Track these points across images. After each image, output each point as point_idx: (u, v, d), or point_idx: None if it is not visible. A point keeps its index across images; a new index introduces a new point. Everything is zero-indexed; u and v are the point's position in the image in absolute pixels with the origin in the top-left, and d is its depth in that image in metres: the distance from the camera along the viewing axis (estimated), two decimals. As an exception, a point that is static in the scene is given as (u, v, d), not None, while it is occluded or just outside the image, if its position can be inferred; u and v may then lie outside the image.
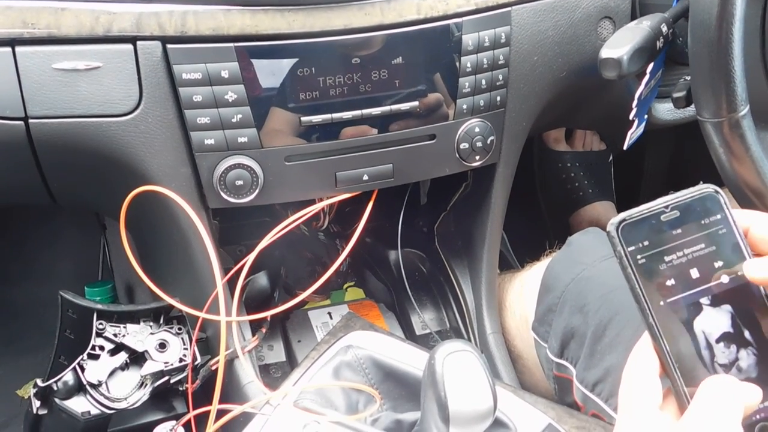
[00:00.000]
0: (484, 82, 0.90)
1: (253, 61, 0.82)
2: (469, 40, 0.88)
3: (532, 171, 1.61)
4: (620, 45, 0.82)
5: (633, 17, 0.98)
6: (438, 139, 0.91)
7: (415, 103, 0.88)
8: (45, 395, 0.85)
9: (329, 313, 1.11)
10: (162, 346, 0.88)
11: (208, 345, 0.96)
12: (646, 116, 0.99)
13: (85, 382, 0.83)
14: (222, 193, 0.85)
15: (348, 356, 0.81)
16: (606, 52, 0.82)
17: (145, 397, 0.86)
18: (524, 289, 1.02)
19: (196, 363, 0.88)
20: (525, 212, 1.52)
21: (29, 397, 0.87)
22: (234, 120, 0.83)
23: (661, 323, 0.52)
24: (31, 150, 0.83)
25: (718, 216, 0.54)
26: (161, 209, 0.87)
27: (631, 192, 1.59)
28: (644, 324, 0.53)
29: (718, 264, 0.53)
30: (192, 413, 0.82)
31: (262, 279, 1.09)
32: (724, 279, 0.53)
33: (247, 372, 0.89)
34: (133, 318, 0.89)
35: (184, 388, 0.87)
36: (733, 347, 0.53)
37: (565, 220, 1.55)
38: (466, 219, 1.07)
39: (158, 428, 0.80)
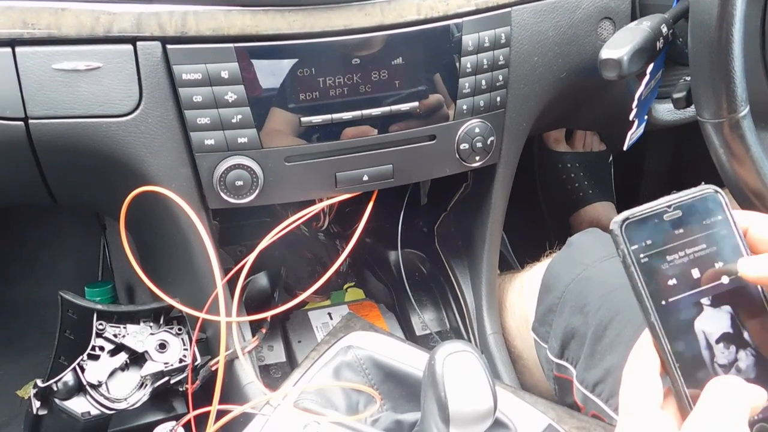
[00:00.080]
0: (484, 82, 0.90)
1: (253, 61, 0.82)
2: (469, 40, 0.88)
3: (533, 171, 1.61)
4: (620, 45, 0.82)
5: (633, 18, 0.98)
6: (438, 139, 0.91)
7: (415, 104, 0.88)
8: (45, 395, 0.85)
9: (329, 314, 1.11)
10: (162, 346, 0.88)
11: (208, 345, 0.96)
12: (646, 117, 0.99)
13: (85, 383, 0.83)
14: (222, 194, 0.85)
15: (348, 357, 0.81)
16: (606, 53, 0.82)
17: (145, 398, 0.86)
18: (524, 289, 1.02)
19: (196, 363, 0.88)
20: (525, 213, 1.52)
21: (29, 397, 0.86)
22: (234, 120, 0.83)
23: (663, 323, 0.52)
24: (32, 150, 0.83)
25: (719, 217, 0.54)
26: (161, 209, 0.87)
27: (631, 192, 1.59)
28: (645, 323, 0.53)
29: (719, 264, 0.53)
30: (192, 414, 0.82)
31: (262, 279, 1.09)
32: (725, 280, 0.53)
33: (247, 372, 0.89)
34: (133, 318, 0.89)
35: (184, 388, 0.87)
36: (733, 348, 0.53)
37: (565, 221, 1.55)
38: (467, 219, 1.07)
39: (158, 429, 0.80)
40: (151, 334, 0.88)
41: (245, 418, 0.76)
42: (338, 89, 0.85)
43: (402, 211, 1.13)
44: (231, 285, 0.91)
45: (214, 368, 0.88)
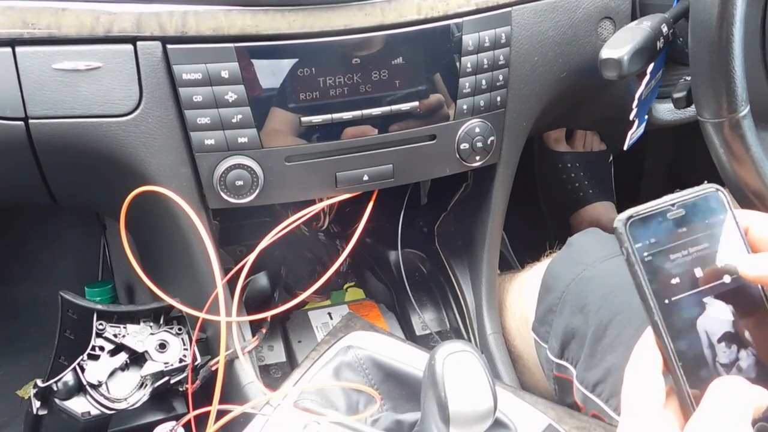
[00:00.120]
0: (484, 82, 0.90)
1: (254, 61, 0.82)
2: (469, 40, 0.88)
3: (533, 171, 1.61)
4: (620, 45, 0.82)
5: (633, 17, 0.98)
6: (438, 139, 0.91)
7: (416, 104, 0.88)
8: (45, 395, 0.85)
9: (329, 314, 1.11)
10: (162, 346, 0.88)
11: (208, 345, 0.96)
12: (646, 116, 0.99)
13: (85, 383, 0.83)
14: (222, 194, 0.85)
15: (348, 356, 0.81)
16: (606, 53, 0.82)
17: (145, 398, 0.86)
18: (524, 289, 1.02)
19: (196, 363, 0.88)
20: (525, 212, 1.52)
21: (29, 397, 0.86)
22: (234, 120, 0.83)
23: (666, 321, 0.52)
24: (32, 150, 0.83)
25: (722, 216, 0.54)
26: (161, 209, 0.87)
27: (631, 192, 1.59)
28: (649, 322, 0.53)
29: (721, 264, 0.53)
30: (192, 414, 0.82)
31: (262, 279, 1.09)
32: (726, 279, 0.53)
33: (247, 372, 0.89)
34: (133, 318, 0.89)
35: (184, 388, 0.87)
36: (734, 347, 0.53)
37: (565, 221, 1.55)
38: (467, 219, 1.07)
39: (158, 429, 0.80)
40: (151, 334, 0.88)
41: (245, 418, 0.76)
42: (338, 89, 0.85)
43: (402, 210, 1.13)
44: (231, 285, 0.91)
45: (214, 368, 0.88)
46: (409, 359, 0.80)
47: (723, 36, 0.70)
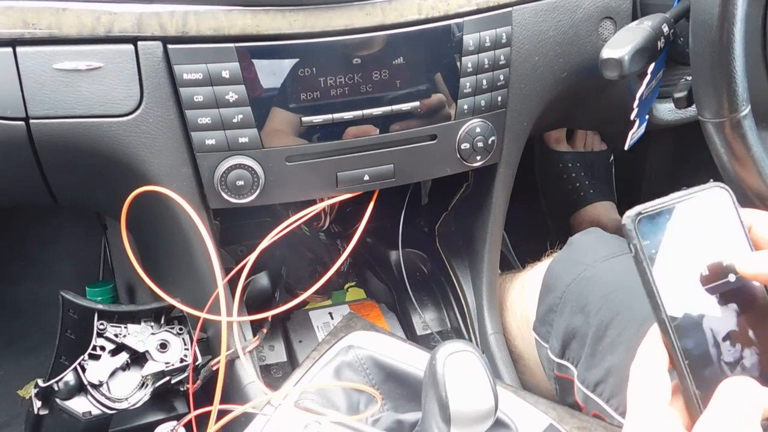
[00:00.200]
0: (485, 82, 0.90)
1: (254, 61, 0.82)
2: (470, 40, 0.88)
3: (533, 171, 1.61)
4: (621, 45, 0.82)
5: (634, 17, 0.98)
6: (439, 139, 0.91)
7: (416, 104, 0.88)
8: (46, 395, 0.85)
9: (330, 314, 1.11)
10: (163, 346, 0.88)
11: (209, 345, 0.96)
12: (647, 116, 0.99)
13: (86, 383, 0.83)
14: (223, 194, 0.85)
15: (349, 356, 0.81)
16: (607, 53, 0.82)
17: (146, 398, 0.86)
18: (525, 289, 1.02)
19: (197, 363, 0.88)
20: (526, 212, 1.52)
21: (30, 397, 0.87)
22: (235, 120, 0.83)
23: (673, 319, 0.52)
24: (32, 150, 0.83)
25: (727, 214, 0.54)
26: (162, 209, 0.87)
27: (632, 192, 1.59)
28: (655, 319, 0.53)
29: (726, 262, 0.53)
30: (193, 413, 0.82)
31: (263, 279, 1.09)
32: (731, 278, 0.53)
33: (248, 372, 0.89)
34: (134, 318, 0.89)
35: (185, 388, 0.87)
36: (738, 346, 0.53)
37: (566, 220, 1.55)
38: (467, 219, 1.07)
39: (159, 428, 0.80)
40: (152, 333, 0.88)
41: (246, 418, 0.76)
42: (339, 89, 0.85)
43: (403, 210, 1.13)
44: (232, 285, 0.91)
45: (215, 368, 0.88)
46: (409, 359, 0.80)
47: (724, 36, 0.70)
